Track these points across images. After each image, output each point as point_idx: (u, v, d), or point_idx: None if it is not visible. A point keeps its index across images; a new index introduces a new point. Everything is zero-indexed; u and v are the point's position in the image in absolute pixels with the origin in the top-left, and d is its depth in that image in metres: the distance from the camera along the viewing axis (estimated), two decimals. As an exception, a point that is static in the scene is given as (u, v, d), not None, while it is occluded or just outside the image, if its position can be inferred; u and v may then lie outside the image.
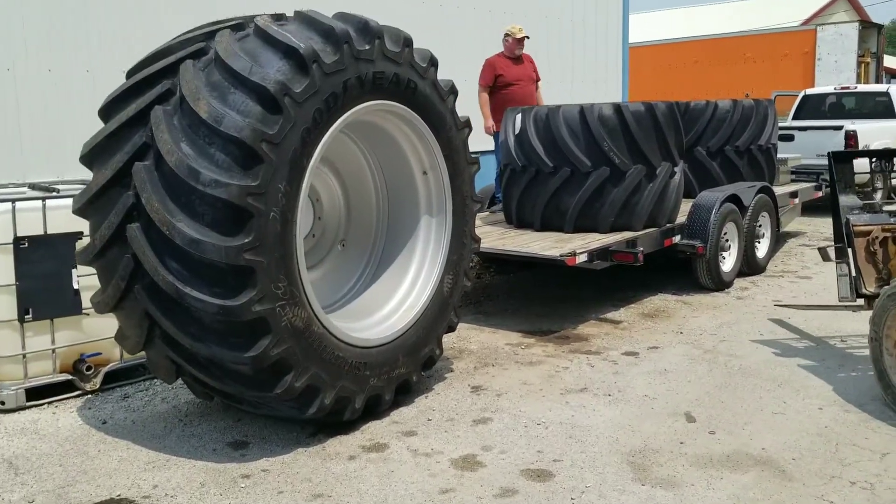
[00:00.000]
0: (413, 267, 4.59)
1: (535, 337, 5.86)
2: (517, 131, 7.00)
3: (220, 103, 3.47)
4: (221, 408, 4.44)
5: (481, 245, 6.29)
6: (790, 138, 12.44)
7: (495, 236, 6.77)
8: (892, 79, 28.56)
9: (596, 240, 6.39)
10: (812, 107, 14.27)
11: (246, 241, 3.37)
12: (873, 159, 5.14)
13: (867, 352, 4.46)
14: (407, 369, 4.34)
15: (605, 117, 6.61)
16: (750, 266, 7.69)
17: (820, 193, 9.92)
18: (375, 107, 4.04)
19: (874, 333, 4.30)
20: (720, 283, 7.16)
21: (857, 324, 5.76)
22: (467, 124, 4.65)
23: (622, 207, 6.67)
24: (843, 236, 4.93)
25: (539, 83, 8.46)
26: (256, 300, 3.42)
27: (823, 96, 14.48)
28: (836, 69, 20.52)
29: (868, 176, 5.28)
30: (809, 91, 14.59)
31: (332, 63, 3.67)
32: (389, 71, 4.01)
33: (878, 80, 20.54)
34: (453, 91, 4.51)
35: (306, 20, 3.82)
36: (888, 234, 4.82)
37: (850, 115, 13.73)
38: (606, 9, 12.84)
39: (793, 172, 10.42)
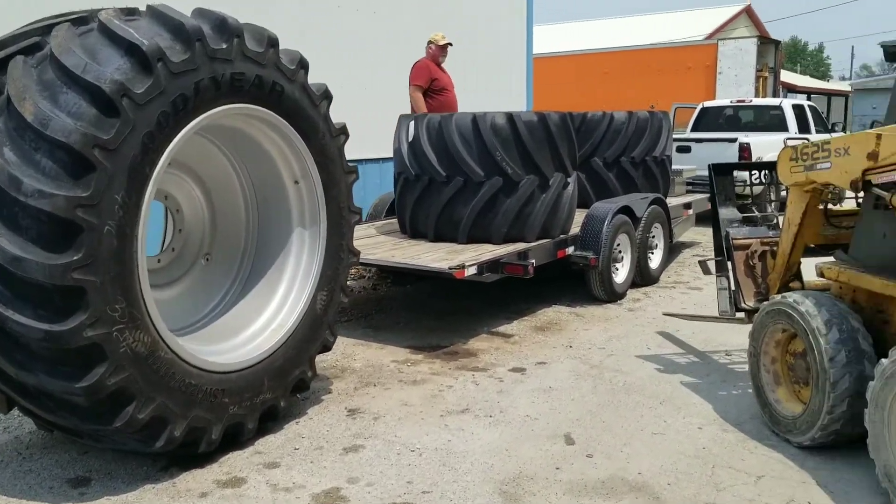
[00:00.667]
0: (284, 283, 4.30)
1: (424, 353, 5.65)
2: (410, 139, 6.79)
3: (49, 104, 3.11)
4: (66, 439, 4.04)
5: (372, 257, 6.10)
6: (687, 149, 12.68)
7: (387, 247, 6.53)
8: (788, 93, 29.85)
9: (488, 251, 6.24)
10: (710, 119, 14.62)
11: (75, 258, 3.02)
12: (753, 172, 5.14)
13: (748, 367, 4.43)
14: (273, 394, 4.04)
15: (497, 127, 6.47)
16: (643, 277, 7.70)
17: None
18: (235, 111, 3.74)
19: (752, 349, 4.26)
20: (613, 295, 7.12)
21: (742, 337, 5.76)
22: (343, 131, 4.39)
23: (515, 218, 6.54)
24: (724, 250, 4.90)
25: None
26: (88, 324, 3.07)
27: (720, 109, 14.87)
28: (735, 83, 21.17)
29: (758, 189, 5.28)
30: (707, 103, 14.95)
31: (181, 62, 3.35)
32: (251, 72, 3.72)
33: (775, 94, 21.31)
34: (327, 96, 4.25)
35: (156, 15, 3.49)
36: (767, 248, 4.82)
37: (746, 128, 14.13)
38: (511, 17, 12.81)
39: (688, 183, 10.58)
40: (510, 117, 6.49)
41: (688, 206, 9.19)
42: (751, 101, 14.99)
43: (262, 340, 4.06)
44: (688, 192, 10.36)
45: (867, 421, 3.36)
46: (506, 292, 7.22)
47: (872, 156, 3.60)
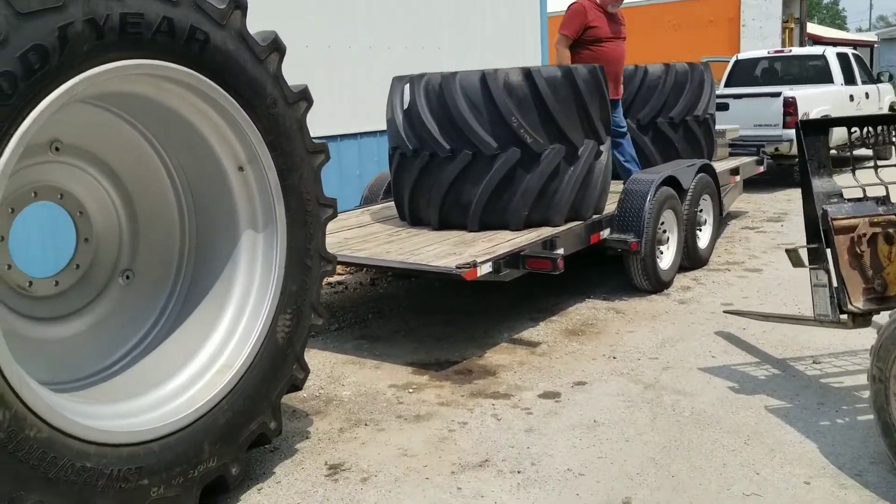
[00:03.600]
0: (231, 307, 3.17)
1: (430, 372, 4.52)
2: (406, 106, 5.61)
3: None
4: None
5: (360, 254, 4.97)
6: (724, 107, 11.35)
7: (382, 239, 5.39)
8: (814, 44, 28.16)
9: (505, 241, 5.07)
10: (744, 73, 13.30)
11: None
12: (853, 129, 3.92)
13: (847, 380, 3.30)
14: (219, 462, 2.93)
15: (512, 86, 5.27)
16: (691, 259, 6.50)
17: (762, 168, 8.84)
18: (135, 70, 2.59)
19: (877, 372, 3.09)
20: (658, 284, 5.95)
21: (829, 337, 4.61)
22: (303, 96, 3.23)
23: (538, 198, 5.36)
24: (820, 233, 3.71)
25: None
26: None
27: (755, 61, 13.53)
28: (760, 35, 19.88)
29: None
30: (741, 56, 13.58)
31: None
32: (153, 13, 2.56)
33: (801, 46, 19.92)
34: (276, 47, 3.08)
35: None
36: (879, 230, 3.62)
37: (785, 81, 12.81)
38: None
39: (730, 145, 9.31)
40: (528, 73, 5.29)
41: (735, 171, 7.93)
42: (790, 51, 13.60)
43: (199, 390, 2.94)
44: (731, 154, 9.08)
45: None
46: (528, 284, 6.04)
47: None
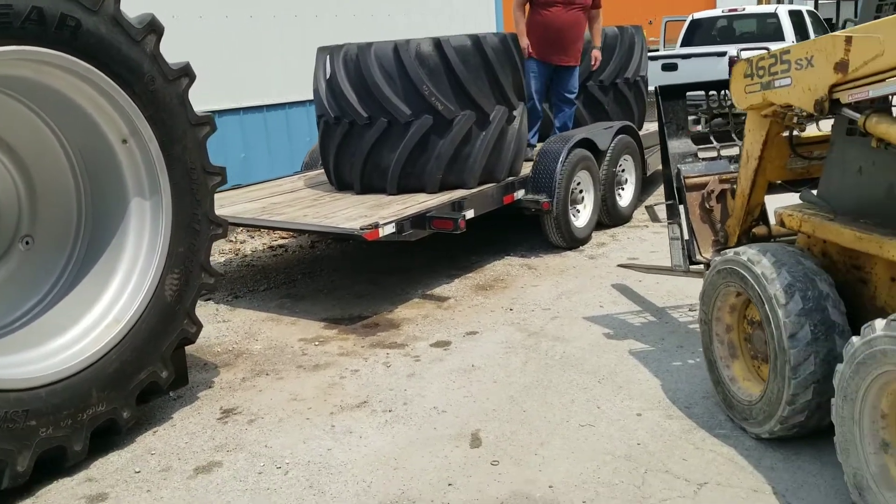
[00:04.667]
0: (121, 268, 3.50)
1: (340, 327, 4.87)
2: (328, 75, 5.88)
3: None
4: None
5: (278, 217, 5.29)
6: (673, 67, 11.61)
7: (304, 204, 5.70)
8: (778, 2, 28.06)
9: (417, 203, 5.40)
10: (703, 32, 13.46)
11: None
12: (711, 93, 4.23)
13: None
14: (108, 406, 3.29)
15: (423, 55, 5.54)
16: (611, 217, 6.82)
17: (700, 127, 9.10)
18: (9, 56, 2.88)
19: (703, 314, 3.45)
20: (573, 241, 6.28)
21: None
22: (184, 73, 3.52)
23: (451, 162, 5.67)
24: (674, 191, 4.04)
25: (597, 10, 6.85)
26: None
27: (713, 20, 13.68)
28: (736, -7, 19.87)
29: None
30: (697, 15, 13.74)
31: None
32: (22, 4, 2.85)
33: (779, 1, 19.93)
34: (153, 29, 3.36)
35: None
36: (727, 187, 3.95)
37: (741, 40, 12.96)
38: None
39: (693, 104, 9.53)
40: (437, 43, 5.56)
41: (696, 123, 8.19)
42: (744, 9, 13.77)
43: (88, 342, 3.29)
44: (699, 113, 9.30)
45: (834, 415, 2.56)
46: (456, 244, 6.38)
47: (841, 66, 2.71)
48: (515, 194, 6.01)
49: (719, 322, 3.36)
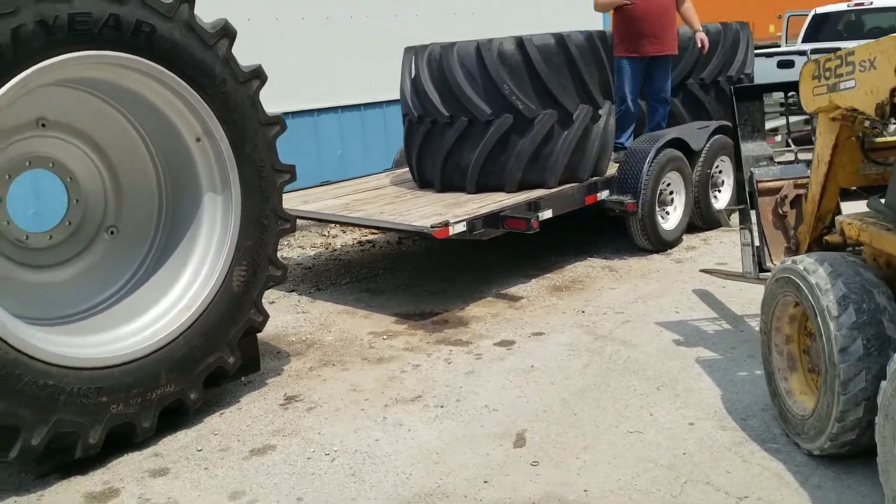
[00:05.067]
0: (194, 258, 3.73)
1: (410, 322, 4.97)
2: (413, 75, 6.00)
3: None
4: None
5: (355, 214, 5.46)
6: (790, 65, 11.05)
7: (385, 201, 5.84)
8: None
9: (494, 202, 5.43)
10: (828, 28, 12.74)
11: None
12: (790, 95, 4.04)
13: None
14: (176, 387, 3.52)
15: (505, 55, 5.56)
16: (705, 219, 6.59)
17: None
18: (89, 60, 3.14)
19: (763, 324, 3.32)
20: (660, 244, 6.13)
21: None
22: (256, 75, 3.71)
23: (531, 161, 5.67)
24: (747, 195, 3.89)
25: (684, 3, 6.65)
26: None
27: (839, 14, 12.93)
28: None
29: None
30: (821, 9, 13.01)
31: (-14, 5, 2.77)
32: (100, 12, 3.09)
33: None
34: (226, 33, 3.56)
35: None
36: (802, 192, 3.77)
37: (870, 35, 12.20)
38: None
39: (782, 104, 9.12)
40: (520, 42, 5.56)
41: (772, 131, 7.85)
42: (871, 2, 12.93)
43: (160, 327, 3.52)
44: (781, 115, 8.92)
45: (876, 434, 2.43)
46: (538, 244, 6.36)
47: (901, 67, 2.55)
48: (599, 195, 5.93)
49: (778, 332, 3.23)
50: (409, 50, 6.12)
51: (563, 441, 3.31)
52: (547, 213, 5.45)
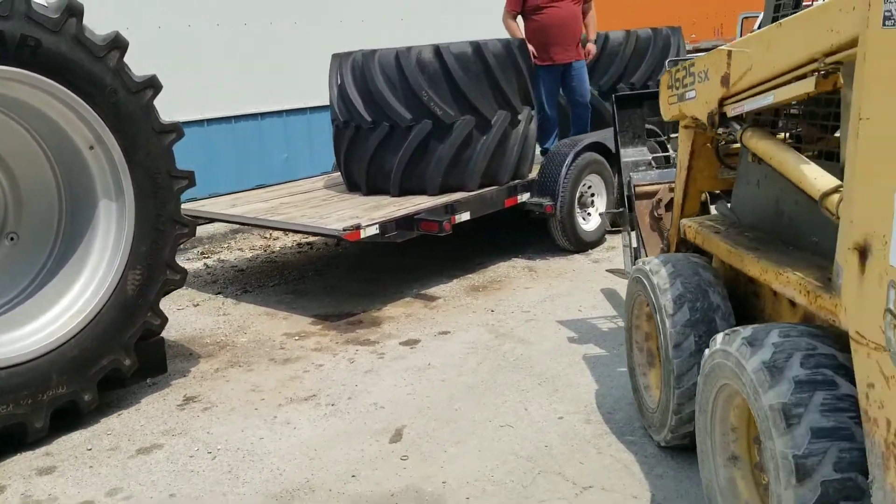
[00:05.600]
0: (90, 263, 3.84)
1: (326, 323, 5.10)
2: (339, 82, 6.14)
3: None
4: None
5: (274, 217, 5.57)
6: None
7: (311, 204, 5.97)
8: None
9: (414, 205, 5.57)
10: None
11: None
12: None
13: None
14: (69, 389, 3.63)
15: (423, 63, 5.71)
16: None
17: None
18: (-27, 74, 3.25)
19: (626, 322, 3.48)
20: (580, 244, 6.29)
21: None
22: (150, 84, 3.83)
23: (451, 165, 5.82)
24: (625, 199, 4.06)
25: (589, 3, 6.85)
26: None
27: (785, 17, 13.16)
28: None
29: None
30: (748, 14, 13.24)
31: None
32: (-20, 28, 3.20)
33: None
34: (117, 45, 3.68)
35: None
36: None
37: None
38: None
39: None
40: (437, 50, 5.71)
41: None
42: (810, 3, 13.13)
43: (51, 331, 3.64)
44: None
45: (696, 427, 2.59)
46: (469, 246, 6.50)
47: (725, 80, 2.72)
48: (519, 197, 6.09)
49: (638, 330, 3.39)
50: (335, 57, 6.26)
51: (437, 436, 3.46)
52: (465, 216, 5.61)
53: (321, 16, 8.84)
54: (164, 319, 4.07)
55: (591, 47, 6.92)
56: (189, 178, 4.06)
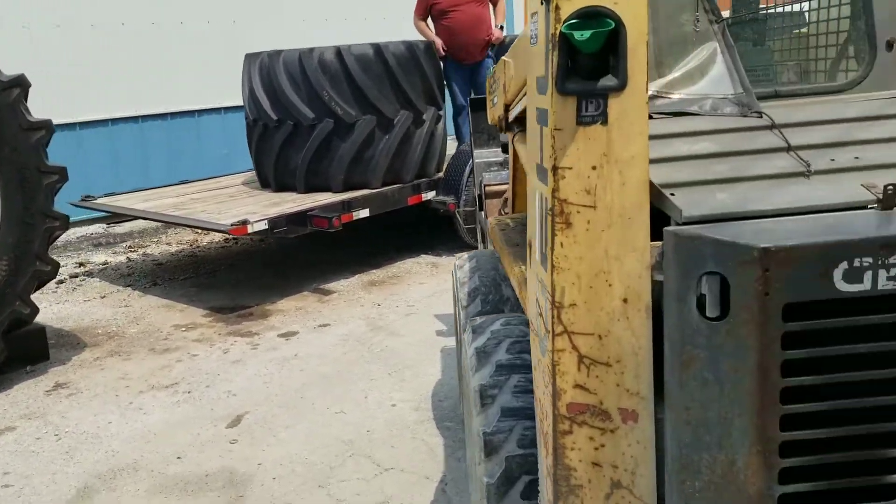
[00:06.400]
0: (-42, 254, 4.01)
1: (218, 315, 5.27)
2: (249, 82, 6.31)
3: None
4: None
5: (173, 212, 5.74)
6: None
7: (217, 200, 6.14)
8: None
9: (313, 201, 5.74)
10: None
11: None
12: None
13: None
14: (-71, 374, 3.81)
15: (325, 63, 5.88)
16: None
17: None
18: None
19: (454, 315, 3.64)
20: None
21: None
22: (18, 83, 4.00)
23: (353, 163, 5.99)
24: (476, 198, 4.23)
25: (497, 2, 6.96)
26: None
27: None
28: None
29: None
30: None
31: None
32: None
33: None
34: (-21, 48, 3.85)
35: None
36: (525, 194, 4.09)
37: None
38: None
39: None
40: (338, 52, 5.88)
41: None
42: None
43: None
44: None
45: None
46: (383, 242, 6.68)
47: (504, 87, 2.88)
48: (424, 195, 6.25)
49: (458, 322, 3.55)
50: (247, 57, 6.42)
51: (273, 422, 3.63)
52: (364, 213, 5.78)
53: (258, 16, 9.01)
54: (35, 309, 4.24)
55: (497, 32, 7.00)
56: (60, 174, 4.23)
